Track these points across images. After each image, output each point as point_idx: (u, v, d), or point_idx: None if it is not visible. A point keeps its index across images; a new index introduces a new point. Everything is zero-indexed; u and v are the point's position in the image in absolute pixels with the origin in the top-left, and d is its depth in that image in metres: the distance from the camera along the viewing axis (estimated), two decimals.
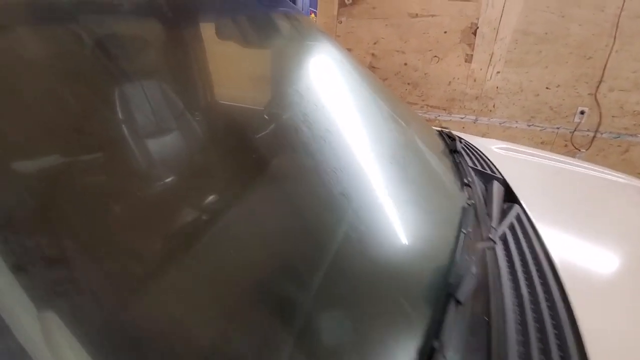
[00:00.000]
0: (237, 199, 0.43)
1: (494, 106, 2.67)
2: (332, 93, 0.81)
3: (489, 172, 0.95)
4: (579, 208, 0.86)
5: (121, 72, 0.41)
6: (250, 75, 0.77)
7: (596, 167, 1.23)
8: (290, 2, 1.14)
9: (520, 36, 2.44)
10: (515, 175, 0.98)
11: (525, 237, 0.64)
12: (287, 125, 0.60)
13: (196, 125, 0.49)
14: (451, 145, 1.04)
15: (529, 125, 2.64)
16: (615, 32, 2.21)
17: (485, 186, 0.87)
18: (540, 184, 0.99)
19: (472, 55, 2.58)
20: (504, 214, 0.72)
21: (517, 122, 2.66)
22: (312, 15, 2.22)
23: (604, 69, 2.32)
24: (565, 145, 2.61)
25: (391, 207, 0.58)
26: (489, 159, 1.09)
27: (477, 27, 2.50)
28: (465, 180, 0.78)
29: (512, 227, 0.66)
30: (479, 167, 0.97)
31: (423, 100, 2.80)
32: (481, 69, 2.60)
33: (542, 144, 2.66)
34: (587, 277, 0.58)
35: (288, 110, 0.65)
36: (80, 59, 0.38)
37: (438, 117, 2.82)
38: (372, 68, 2.79)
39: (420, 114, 2.84)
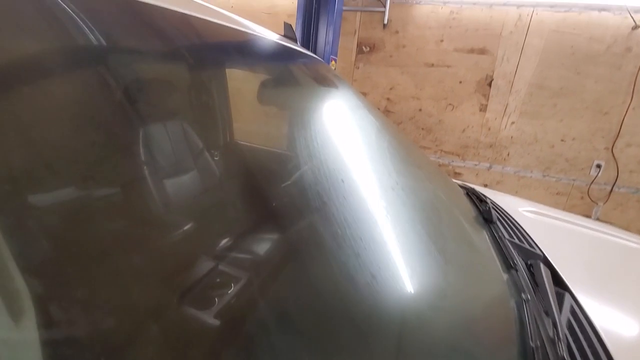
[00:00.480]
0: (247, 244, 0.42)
1: (508, 155, 2.66)
2: (351, 143, 0.77)
3: (528, 247, 0.90)
4: (625, 287, 0.81)
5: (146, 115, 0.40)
6: (271, 120, 0.76)
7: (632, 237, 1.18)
8: (313, 55, 1.16)
9: (535, 90, 2.48)
10: (554, 250, 0.93)
11: (585, 337, 0.59)
12: (304, 172, 0.58)
13: (214, 167, 0.47)
14: (486, 214, 1.00)
15: (544, 176, 2.62)
16: (633, 90, 2.24)
17: (527, 265, 0.82)
18: (579, 258, 0.95)
19: (486, 105, 2.61)
20: (558, 307, 0.67)
21: (532, 171, 2.64)
22: (333, 62, 2.27)
23: (621, 125, 2.33)
24: (582, 198, 2.57)
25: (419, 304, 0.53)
26: (523, 229, 1.05)
27: (492, 79, 2.55)
28: (512, 263, 0.74)
29: (570, 326, 0.61)
30: (517, 240, 0.93)
31: (437, 145, 2.81)
32: (496, 119, 2.62)
33: (558, 195, 2.63)
34: None
35: (305, 157, 0.62)
36: (104, 102, 0.37)
37: (452, 163, 2.81)
38: (387, 112, 2.82)
39: (433, 158, 2.83)
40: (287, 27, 1.27)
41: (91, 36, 0.38)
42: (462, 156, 2.78)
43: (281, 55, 0.88)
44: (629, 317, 0.72)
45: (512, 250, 0.86)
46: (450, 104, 2.68)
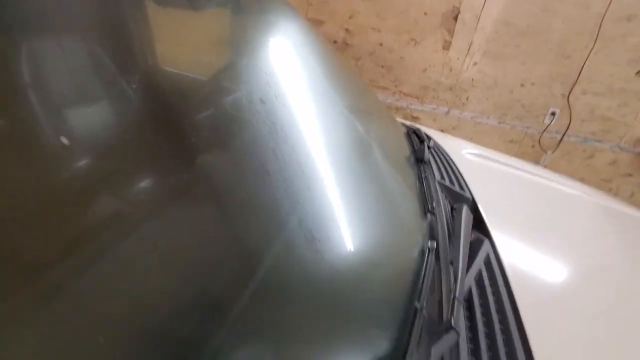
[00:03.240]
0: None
1: (467, 99, 2.55)
2: (287, 78, 0.62)
3: (458, 189, 0.80)
4: (550, 232, 0.74)
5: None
6: (197, 43, 0.60)
7: (573, 183, 1.13)
8: None
9: (502, 27, 2.30)
10: (485, 193, 0.84)
11: (494, 291, 0.50)
12: (230, 105, 0.48)
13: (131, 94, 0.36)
14: (419, 153, 0.87)
15: (500, 123, 2.56)
16: (598, 32, 2.13)
17: (452, 209, 0.72)
18: (510, 202, 0.87)
19: (450, 42, 2.42)
20: (472, 255, 0.57)
21: (488, 117, 2.57)
22: None
23: (581, 70, 2.25)
24: (533, 146, 2.57)
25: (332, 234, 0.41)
26: (458, 171, 0.95)
27: (459, 13, 2.32)
28: (430, 207, 0.63)
29: (479, 279, 0.52)
30: (448, 183, 0.83)
31: (396, 86, 2.63)
32: (458, 58, 2.45)
33: (511, 143, 2.61)
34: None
35: (233, 89, 0.51)
36: None
37: (410, 106, 2.67)
38: (345, 45, 2.56)
39: (391, 101, 2.68)
40: None
41: None
42: (421, 99, 2.63)
43: None
44: (554, 264, 0.65)
45: (439, 193, 0.76)
46: (412, 39, 2.46)
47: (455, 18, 2.34)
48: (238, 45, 0.64)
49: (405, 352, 0.31)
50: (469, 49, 2.41)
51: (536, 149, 2.56)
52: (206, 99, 0.48)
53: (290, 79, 0.63)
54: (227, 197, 0.38)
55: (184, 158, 0.37)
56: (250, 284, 0.31)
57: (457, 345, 0.38)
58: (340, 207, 0.48)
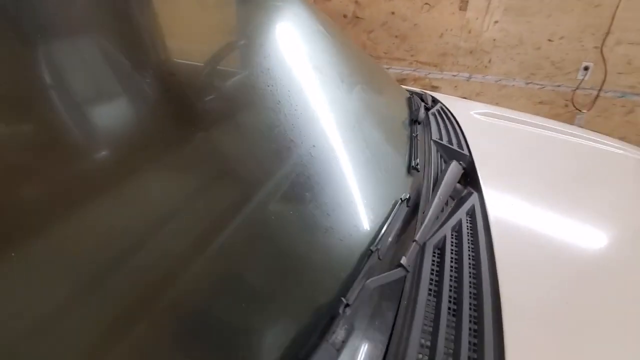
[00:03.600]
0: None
1: (489, 61, 2.41)
2: (289, 56, 0.68)
3: (455, 147, 0.78)
4: (559, 189, 0.70)
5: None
6: (206, 33, 0.65)
7: (590, 135, 1.05)
8: None
9: None
10: (488, 150, 0.82)
11: (473, 241, 0.50)
12: (238, 84, 0.54)
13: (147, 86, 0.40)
14: (413, 115, 0.86)
15: (527, 84, 2.40)
16: None
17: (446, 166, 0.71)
18: (513, 158, 0.83)
19: (467, 1, 2.27)
20: (456, 206, 0.57)
21: (514, 79, 2.42)
22: None
23: (613, 19, 2.04)
24: (566, 106, 2.39)
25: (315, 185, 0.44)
26: (460, 129, 0.92)
27: None
28: (414, 163, 0.63)
29: (458, 229, 0.51)
30: (445, 141, 0.81)
31: (412, 56, 2.53)
32: (477, 19, 2.30)
33: (541, 104, 2.45)
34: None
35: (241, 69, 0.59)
36: None
37: (428, 75, 2.57)
38: (356, 19, 2.49)
39: (408, 72, 2.59)
40: None
41: None
42: (440, 66, 2.52)
43: None
44: (552, 226, 0.61)
45: (433, 151, 0.75)
46: (426, 3, 2.34)
47: None
48: (244, 30, 0.69)
49: (349, 287, 0.32)
50: (488, 7, 2.25)
51: (569, 108, 2.38)
52: (216, 81, 0.54)
53: (292, 56, 0.68)
54: (244, 154, 0.43)
55: (202, 128, 0.42)
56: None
57: (417, 284, 0.39)
58: (333, 165, 0.51)
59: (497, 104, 2.43)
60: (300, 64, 0.70)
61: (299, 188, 0.43)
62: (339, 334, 0.26)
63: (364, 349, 0.31)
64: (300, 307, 0.32)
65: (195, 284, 0.29)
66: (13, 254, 0.22)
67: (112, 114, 0.34)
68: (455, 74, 2.52)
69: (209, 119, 0.44)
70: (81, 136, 0.30)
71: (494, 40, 2.33)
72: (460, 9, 2.31)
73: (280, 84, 0.57)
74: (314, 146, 0.49)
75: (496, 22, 2.28)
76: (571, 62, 2.25)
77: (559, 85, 2.34)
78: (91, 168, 0.29)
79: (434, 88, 2.60)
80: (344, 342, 0.26)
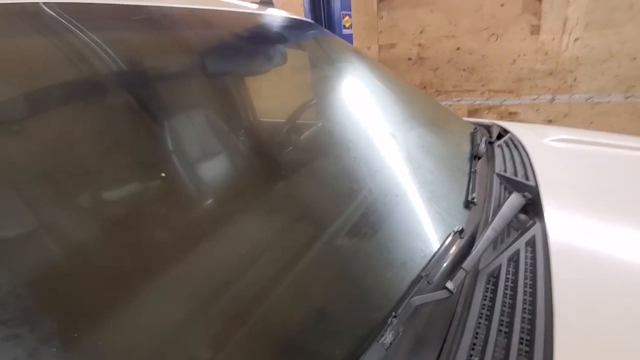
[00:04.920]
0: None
1: (575, 80, 2.23)
2: (356, 107, 0.85)
3: (520, 178, 0.79)
4: (634, 217, 0.65)
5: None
6: (285, 96, 0.86)
7: None
8: (317, 25, 1.16)
9: None
10: (559, 178, 0.80)
11: (532, 270, 0.52)
12: (313, 135, 0.71)
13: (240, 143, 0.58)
14: (474, 150, 0.90)
15: (627, 97, 2.14)
16: None
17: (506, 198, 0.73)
18: (587, 185, 0.79)
19: (539, 25, 2.20)
20: (518, 236, 0.59)
21: (609, 95, 2.18)
22: (346, 17, 2.16)
23: None
24: None
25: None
26: (529, 159, 0.92)
27: None
28: (470, 197, 0.67)
29: (516, 259, 0.54)
30: (509, 173, 0.82)
31: (483, 86, 2.49)
32: (553, 39, 2.20)
33: None
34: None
35: (316, 124, 0.76)
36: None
37: (504, 102, 2.48)
38: (420, 59, 2.59)
39: (481, 102, 2.53)
40: None
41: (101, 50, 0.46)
42: (516, 92, 2.42)
43: (265, 30, 0.94)
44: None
45: (496, 184, 0.78)
46: (493, 34, 2.33)
47: None
48: (316, 90, 0.88)
49: (399, 304, 0.40)
50: (564, 26, 2.14)
51: None
52: (293, 133, 0.70)
53: (358, 106, 0.85)
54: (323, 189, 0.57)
55: (286, 172, 0.57)
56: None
57: (468, 308, 0.44)
58: (395, 206, 0.60)
59: (591, 123, 2.20)
60: (363, 114, 0.84)
61: (366, 225, 0.53)
62: (387, 337, 0.34)
63: (411, 352, 0.37)
64: (361, 318, 0.40)
65: (285, 299, 0.40)
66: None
67: (215, 169, 0.50)
68: (535, 97, 2.39)
69: (292, 167, 0.59)
70: (192, 187, 0.46)
71: (577, 58, 2.18)
72: (532, 34, 2.24)
73: (348, 133, 0.70)
74: (382, 192, 0.59)
75: (577, 39, 2.14)
76: None
77: None
78: (202, 211, 0.44)
79: (512, 114, 2.48)
80: (391, 343, 0.34)
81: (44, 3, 0.46)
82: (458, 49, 2.46)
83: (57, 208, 0.33)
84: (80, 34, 0.45)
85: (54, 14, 0.46)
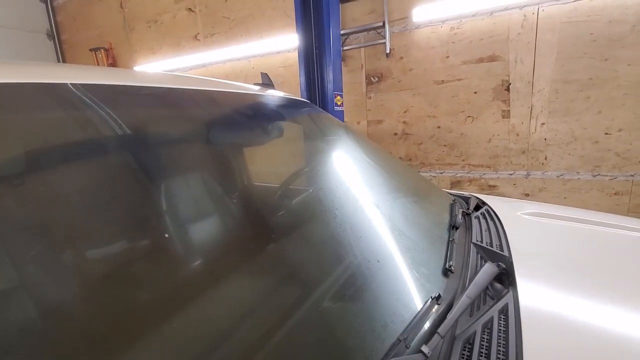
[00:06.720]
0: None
1: (545, 158, 2.44)
2: (344, 177, 0.96)
3: (495, 248, 0.85)
4: (603, 287, 0.70)
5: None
6: (278, 164, 0.96)
7: None
8: (311, 103, 1.32)
9: (561, 85, 2.30)
10: (530, 250, 0.86)
11: (505, 337, 0.55)
12: (303, 201, 0.78)
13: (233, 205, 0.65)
14: (452, 220, 0.97)
15: (595, 175, 2.32)
16: None
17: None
18: (555, 257, 0.85)
19: (509, 110, 2.47)
20: (492, 304, 0.63)
21: (578, 172, 2.37)
22: (338, 97, 2.40)
23: None
24: None
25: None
26: (503, 230, 0.99)
27: (510, 83, 2.43)
28: (448, 265, 0.72)
29: (489, 326, 0.57)
30: (484, 243, 0.89)
31: (463, 160, 2.68)
32: (522, 123, 2.45)
33: (617, 195, 2.29)
34: None
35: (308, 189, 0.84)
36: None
37: (483, 176, 2.65)
38: (405, 135, 2.82)
39: (461, 174, 2.70)
40: (264, 75, 1.43)
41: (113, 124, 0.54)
42: (494, 167, 2.61)
43: (264, 108, 1.06)
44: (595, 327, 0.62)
45: (472, 253, 0.83)
46: (469, 116, 2.59)
47: (508, 89, 2.45)
48: (307, 159, 0.98)
49: None
50: (530, 113, 2.41)
51: None
52: (285, 199, 0.77)
53: (346, 176, 0.95)
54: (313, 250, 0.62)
55: (276, 235, 0.62)
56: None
57: None
58: (377, 271, 0.64)
59: (565, 198, 2.34)
60: (351, 183, 0.92)
61: (351, 288, 0.57)
62: None
63: None
64: None
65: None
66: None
67: (210, 228, 0.55)
68: (511, 172, 2.57)
69: (282, 230, 0.64)
70: (183, 245, 0.50)
71: (545, 139, 2.41)
72: (503, 117, 2.50)
73: (336, 201, 0.77)
74: (366, 258, 0.64)
75: (543, 123, 2.40)
76: (639, 152, 2.18)
77: (632, 175, 2.22)
78: (192, 271, 0.48)
79: (492, 187, 2.63)
80: None
81: (71, 84, 0.55)
82: (439, 127, 2.70)
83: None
84: (100, 110, 0.53)
85: (79, 93, 0.55)
